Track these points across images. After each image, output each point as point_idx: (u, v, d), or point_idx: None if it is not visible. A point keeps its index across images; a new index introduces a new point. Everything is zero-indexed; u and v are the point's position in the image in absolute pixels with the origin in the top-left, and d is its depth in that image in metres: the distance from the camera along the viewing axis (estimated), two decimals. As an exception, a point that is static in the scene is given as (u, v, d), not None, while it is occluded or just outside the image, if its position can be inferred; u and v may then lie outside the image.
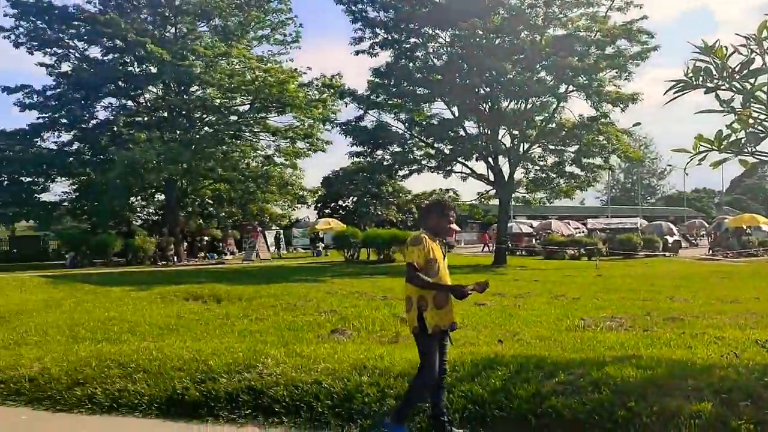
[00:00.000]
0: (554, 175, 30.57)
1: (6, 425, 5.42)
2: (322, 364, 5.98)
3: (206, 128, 34.67)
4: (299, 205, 37.03)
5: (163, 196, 36.79)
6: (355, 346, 7.45)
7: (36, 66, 33.27)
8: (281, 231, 40.97)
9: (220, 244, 38.27)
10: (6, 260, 34.16)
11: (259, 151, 36.56)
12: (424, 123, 29.78)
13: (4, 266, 28.28)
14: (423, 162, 30.51)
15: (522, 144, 29.35)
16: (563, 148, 29.61)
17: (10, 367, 6.57)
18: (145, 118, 35.00)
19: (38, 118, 33.67)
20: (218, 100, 33.97)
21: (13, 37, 31.91)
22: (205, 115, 34.85)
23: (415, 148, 30.74)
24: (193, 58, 31.91)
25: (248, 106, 34.43)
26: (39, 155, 33.59)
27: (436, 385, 4.73)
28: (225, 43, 32.89)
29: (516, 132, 29.01)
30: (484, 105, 29.16)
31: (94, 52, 33.86)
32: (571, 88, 27.54)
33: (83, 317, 10.10)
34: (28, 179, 36.34)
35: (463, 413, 5.00)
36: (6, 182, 35.94)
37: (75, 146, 35.40)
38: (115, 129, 34.23)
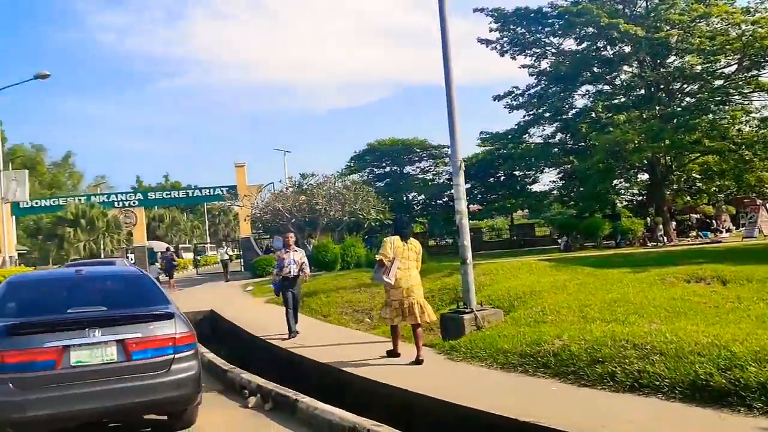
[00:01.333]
0: None
1: (541, 394, 6.05)
2: None
3: (687, 99, 32.63)
4: (816, 169, 31.37)
5: (646, 176, 36.20)
6: None
7: (517, 69, 36.67)
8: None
9: (713, 221, 35.71)
10: (508, 246, 38.63)
11: (753, 114, 32.48)
12: None
13: (507, 251, 31.92)
14: None
15: None
16: None
17: (535, 343, 7.31)
18: (622, 99, 34.93)
19: (524, 116, 37.20)
20: (699, 67, 31.42)
21: (498, 47, 35.83)
22: (684, 85, 32.90)
23: None
24: (668, 27, 30.49)
25: (735, 66, 30.95)
26: (527, 150, 37.11)
27: None
28: (702, 4, 30.33)
29: None
30: None
31: (568, 44, 35.59)
32: None
33: (588, 298, 10.54)
34: (520, 173, 40.93)
35: None
36: (503, 177, 41.21)
37: (557, 137, 37.98)
38: (594, 115, 35.18)
